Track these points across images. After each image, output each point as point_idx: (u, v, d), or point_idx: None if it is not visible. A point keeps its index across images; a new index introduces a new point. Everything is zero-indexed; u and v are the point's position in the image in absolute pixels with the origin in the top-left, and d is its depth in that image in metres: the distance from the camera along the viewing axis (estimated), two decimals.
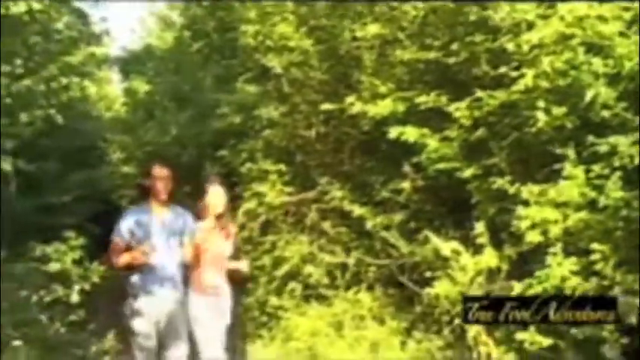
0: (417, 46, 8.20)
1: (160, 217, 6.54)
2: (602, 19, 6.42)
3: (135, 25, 18.20)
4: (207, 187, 6.93)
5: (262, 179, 9.94)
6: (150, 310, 6.39)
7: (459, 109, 7.20)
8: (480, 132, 7.33)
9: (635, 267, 5.97)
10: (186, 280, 6.75)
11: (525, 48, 6.61)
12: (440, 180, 8.11)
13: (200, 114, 12.20)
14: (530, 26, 6.78)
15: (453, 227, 8.09)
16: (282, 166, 9.98)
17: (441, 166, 7.58)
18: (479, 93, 7.04)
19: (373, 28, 8.35)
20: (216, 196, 6.89)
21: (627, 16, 6.51)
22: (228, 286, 7.04)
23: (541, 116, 6.60)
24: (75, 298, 6.57)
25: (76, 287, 6.58)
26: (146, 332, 6.41)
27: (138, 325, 6.39)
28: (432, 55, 7.86)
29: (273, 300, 9.40)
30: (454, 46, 7.64)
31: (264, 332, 9.21)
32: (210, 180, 7.13)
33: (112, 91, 17.53)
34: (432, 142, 7.53)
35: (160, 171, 6.58)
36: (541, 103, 6.63)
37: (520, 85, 6.52)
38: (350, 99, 8.31)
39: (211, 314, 6.78)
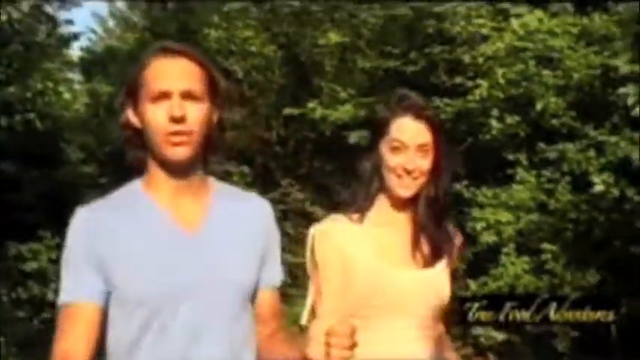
0: (376, 53, 8.54)
1: (177, 223, 1.94)
2: (552, 33, 6.84)
3: (92, 25, 18.22)
4: (388, 123, 2.31)
5: (225, 180, 10.12)
6: None
7: None
8: None
9: (583, 266, 6.40)
10: None
11: (480, 60, 6.99)
12: None
13: None
14: (485, 39, 7.18)
15: None
16: (245, 168, 10.23)
17: None
18: (436, 101, 7.39)
19: (334, 36, 8.65)
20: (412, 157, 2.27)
21: (575, 30, 6.94)
22: None
23: (495, 124, 7.00)
24: (51, 296, 6.74)
25: (52, 285, 6.78)
26: None
27: None
28: (391, 63, 8.21)
29: None
30: (412, 55, 7.99)
31: None
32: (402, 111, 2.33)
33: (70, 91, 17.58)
34: None
35: (164, 64, 1.93)
36: (495, 112, 7.02)
37: (475, 95, 6.90)
38: (312, 104, 8.59)
39: None
